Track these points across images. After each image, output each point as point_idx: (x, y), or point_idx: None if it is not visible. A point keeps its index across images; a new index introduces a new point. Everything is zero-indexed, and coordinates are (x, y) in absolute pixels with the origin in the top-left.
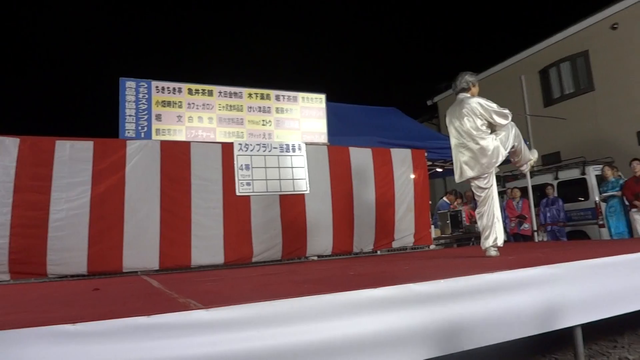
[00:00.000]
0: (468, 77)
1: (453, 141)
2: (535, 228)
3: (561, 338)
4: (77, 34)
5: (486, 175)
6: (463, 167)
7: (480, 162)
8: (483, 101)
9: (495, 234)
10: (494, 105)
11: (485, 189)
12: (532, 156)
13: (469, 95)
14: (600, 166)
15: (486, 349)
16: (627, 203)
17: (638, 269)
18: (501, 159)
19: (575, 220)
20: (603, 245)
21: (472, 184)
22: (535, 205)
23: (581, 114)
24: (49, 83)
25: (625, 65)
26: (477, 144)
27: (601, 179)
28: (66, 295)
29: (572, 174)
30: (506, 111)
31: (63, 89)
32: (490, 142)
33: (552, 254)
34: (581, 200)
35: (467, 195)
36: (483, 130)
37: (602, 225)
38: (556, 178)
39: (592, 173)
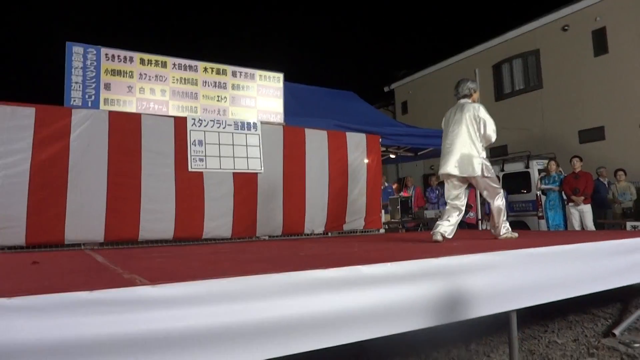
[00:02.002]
0: (470, 84)
1: (446, 141)
2: (479, 217)
3: (496, 322)
4: None
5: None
6: (449, 164)
7: (466, 167)
8: (484, 112)
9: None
10: (491, 122)
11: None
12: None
13: (470, 101)
14: (543, 161)
15: (421, 332)
16: (565, 197)
17: (570, 259)
18: (477, 173)
19: (516, 211)
20: (540, 235)
21: (450, 181)
22: (481, 195)
23: (529, 110)
24: None
25: (572, 66)
26: (468, 150)
27: (543, 173)
28: (2, 267)
29: (517, 167)
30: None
31: (5, 51)
32: (478, 155)
33: (493, 242)
34: (524, 193)
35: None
36: (477, 139)
37: (541, 217)
38: (502, 170)
39: (535, 167)
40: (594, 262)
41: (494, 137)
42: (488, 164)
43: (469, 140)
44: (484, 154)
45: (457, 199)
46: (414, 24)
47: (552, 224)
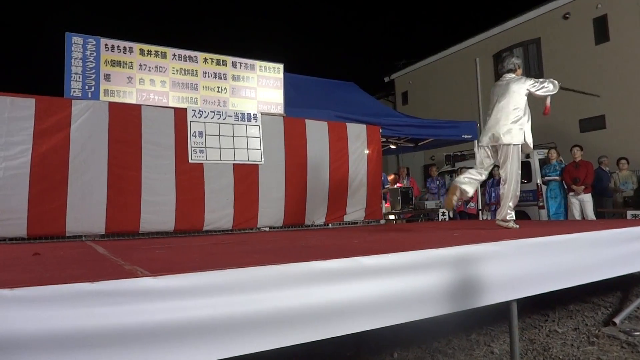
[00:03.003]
0: (515, 60)
1: (491, 114)
2: (480, 207)
3: (497, 312)
4: None
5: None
6: (488, 135)
7: (504, 137)
8: (532, 80)
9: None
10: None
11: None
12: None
13: (514, 76)
14: (544, 150)
15: (422, 323)
16: (565, 187)
17: (571, 248)
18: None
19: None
20: (541, 225)
21: (484, 150)
22: (482, 186)
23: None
24: None
25: (573, 55)
26: (510, 122)
27: (544, 162)
28: (4, 259)
29: None
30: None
31: (4, 41)
32: (517, 127)
33: (494, 232)
34: (524, 182)
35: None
36: (519, 109)
37: (541, 207)
38: None
39: (536, 157)
40: (595, 251)
41: (553, 87)
42: (524, 140)
43: (512, 112)
44: (527, 127)
45: (484, 168)
46: (414, 13)
47: (553, 214)
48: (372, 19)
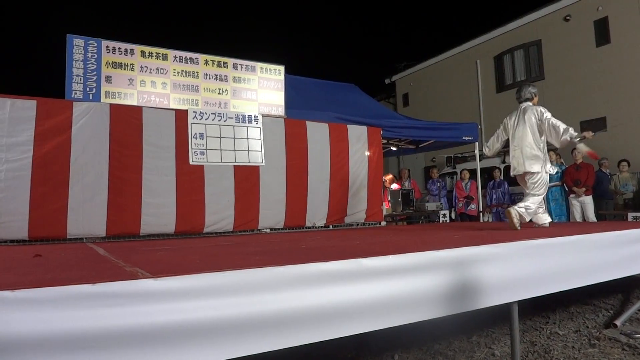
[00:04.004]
0: (531, 89)
1: (513, 143)
2: (481, 209)
3: (498, 313)
4: None
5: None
6: (521, 163)
7: (530, 165)
8: (549, 114)
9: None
10: (561, 123)
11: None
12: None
13: (531, 104)
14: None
15: (422, 324)
16: (567, 189)
17: (571, 250)
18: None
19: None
20: (541, 227)
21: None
22: (483, 187)
23: None
24: None
25: (574, 57)
26: (533, 151)
27: None
28: (5, 260)
29: None
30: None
31: (5, 43)
32: (541, 156)
33: (495, 234)
34: None
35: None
36: (540, 140)
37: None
38: (503, 162)
39: None
40: (595, 253)
41: (568, 136)
42: (546, 170)
43: (533, 141)
44: (546, 156)
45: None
46: (415, 15)
47: (554, 216)
48: (373, 21)
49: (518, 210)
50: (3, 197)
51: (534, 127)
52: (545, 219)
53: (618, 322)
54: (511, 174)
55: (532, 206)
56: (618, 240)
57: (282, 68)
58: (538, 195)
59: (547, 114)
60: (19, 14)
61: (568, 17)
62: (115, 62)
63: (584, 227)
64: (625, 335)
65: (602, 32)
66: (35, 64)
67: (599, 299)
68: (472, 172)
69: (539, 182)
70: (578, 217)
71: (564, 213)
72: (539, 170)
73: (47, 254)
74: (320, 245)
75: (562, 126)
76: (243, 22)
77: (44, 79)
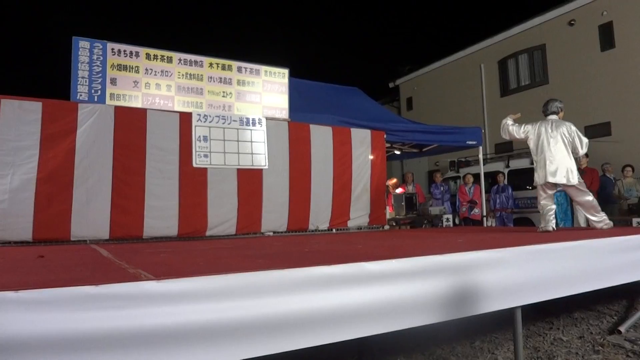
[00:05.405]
0: (558, 104)
1: (545, 154)
2: (484, 213)
3: (501, 319)
4: None
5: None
6: (558, 174)
7: (570, 177)
8: (576, 129)
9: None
10: (585, 138)
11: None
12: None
13: (558, 118)
14: None
15: (425, 329)
16: None
17: (575, 255)
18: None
19: (522, 208)
20: (545, 232)
21: (546, 187)
22: (487, 192)
23: (535, 106)
24: None
25: (579, 61)
26: (569, 163)
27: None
28: (8, 261)
29: (522, 163)
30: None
31: (11, 44)
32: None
33: (498, 238)
34: (529, 189)
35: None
36: (571, 152)
37: None
38: (507, 166)
39: None
40: (599, 258)
41: (582, 152)
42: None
43: (567, 154)
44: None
45: (550, 200)
46: (419, 19)
47: (558, 221)
48: (377, 25)
49: (598, 223)
50: (9, 199)
51: (566, 141)
52: (550, 225)
53: (622, 329)
54: (546, 180)
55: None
56: (622, 246)
57: (286, 71)
58: (591, 196)
59: (575, 128)
60: (26, 16)
61: (573, 22)
62: (121, 64)
63: (588, 232)
64: (629, 342)
65: (606, 36)
66: (40, 66)
67: (603, 305)
68: (476, 177)
69: (583, 186)
70: (582, 222)
71: (569, 218)
72: (578, 179)
73: (50, 254)
74: (323, 248)
75: (584, 140)
76: (248, 24)
77: (49, 81)
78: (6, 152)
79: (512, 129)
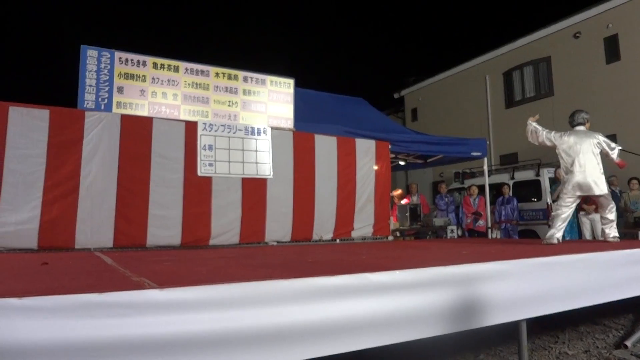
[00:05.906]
0: (584, 115)
1: (576, 164)
2: (489, 225)
3: (506, 332)
4: None
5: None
6: (590, 185)
7: (601, 187)
8: (605, 137)
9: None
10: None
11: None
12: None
13: (584, 128)
14: (554, 169)
15: (428, 341)
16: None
17: (581, 268)
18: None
19: (527, 220)
20: (551, 244)
21: (572, 196)
22: (491, 203)
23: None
24: (4, 45)
25: (584, 74)
26: (599, 173)
27: (554, 181)
28: (13, 268)
29: (528, 175)
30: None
31: (19, 53)
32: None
33: (503, 250)
34: (534, 201)
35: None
36: (600, 162)
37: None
38: (512, 178)
39: (546, 175)
40: (606, 271)
41: (614, 156)
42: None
43: (597, 165)
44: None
45: (570, 210)
46: (424, 30)
47: (565, 233)
48: (382, 36)
49: (610, 235)
50: (15, 206)
51: (595, 151)
52: (555, 236)
53: (629, 343)
54: (575, 190)
55: (613, 216)
56: (628, 259)
57: (291, 81)
58: (613, 204)
59: (603, 137)
60: (34, 24)
61: (578, 34)
62: (128, 73)
63: (594, 245)
64: (636, 357)
65: (612, 49)
66: (48, 74)
67: (609, 319)
68: (481, 188)
69: (609, 196)
70: (588, 235)
71: (574, 231)
72: (607, 189)
73: (55, 262)
74: (326, 259)
75: (613, 146)
76: (254, 34)
77: (56, 89)
78: (13, 159)
79: (543, 133)
